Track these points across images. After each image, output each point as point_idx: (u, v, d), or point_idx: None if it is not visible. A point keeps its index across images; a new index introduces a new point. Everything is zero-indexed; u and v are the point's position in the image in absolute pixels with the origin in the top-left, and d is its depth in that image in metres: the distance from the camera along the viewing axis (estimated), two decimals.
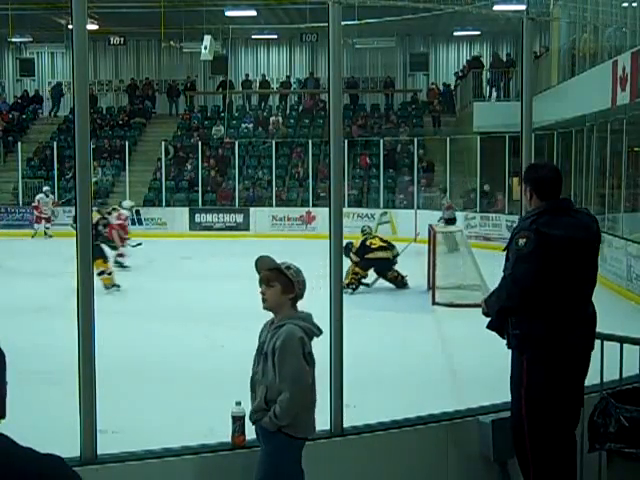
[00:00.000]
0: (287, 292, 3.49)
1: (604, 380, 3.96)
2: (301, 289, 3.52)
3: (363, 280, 13.31)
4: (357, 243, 13.38)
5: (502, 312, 3.77)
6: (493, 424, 4.05)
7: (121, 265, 15.74)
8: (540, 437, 3.73)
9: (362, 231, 14.11)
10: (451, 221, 18.50)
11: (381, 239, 13.75)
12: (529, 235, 3.64)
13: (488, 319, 3.89)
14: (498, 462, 4.04)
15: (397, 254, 13.49)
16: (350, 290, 12.77)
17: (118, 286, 13.38)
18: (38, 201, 22.28)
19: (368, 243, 13.34)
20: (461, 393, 7.13)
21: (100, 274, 13.13)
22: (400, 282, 13.38)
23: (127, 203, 18.56)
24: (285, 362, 3.38)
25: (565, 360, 3.69)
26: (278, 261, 3.61)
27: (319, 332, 3.56)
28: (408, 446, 4.07)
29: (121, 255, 15.84)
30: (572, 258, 3.67)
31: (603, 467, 3.86)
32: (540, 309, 3.66)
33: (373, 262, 13.20)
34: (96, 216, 13.83)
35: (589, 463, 3.84)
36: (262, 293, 3.53)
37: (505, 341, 3.84)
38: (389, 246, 13.51)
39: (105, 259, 13.46)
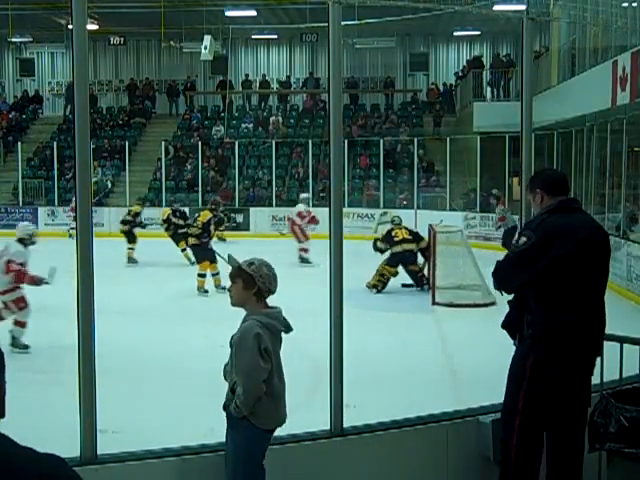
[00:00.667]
0: (248, 288, 3.61)
1: (604, 380, 3.96)
2: (265, 283, 3.60)
3: (404, 282, 13.10)
4: (384, 232, 13.38)
5: (515, 313, 3.79)
6: (493, 424, 4.04)
7: (306, 261, 15.83)
8: (528, 434, 3.74)
9: (392, 221, 13.91)
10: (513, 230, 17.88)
11: (409, 231, 13.42)
12: (530, 236, 3.66)
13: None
14: (498, 462, 4.04)
15: (424, 247, 13.13)
16: (375, 291, 12.80)
17: (219, 288, 12.69)
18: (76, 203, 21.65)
19: (393, 233, 13.13)
20: (461, 393, 7.12)
21: (201, 276, 12.92)
22: (419, 278, 13.01)
23: (303, 196, 18.19)
24: (239, 357, 3.53)
25: (571, 362, 3.68)
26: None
27: (287, 329, 3.64)
28: (408, 446, 4.07)
29: (305, 250, 16.04)
30: (583, 257, 3.67)
31: (603, 467, 3.86)
32: (552, 310, 3.65)
33: (398, 256, 12.97)
34: (207, 215, 13.37)
35: (589, 463, 3.84)
36: (229, 290, 3.71)
37: (513, 340, 3.84)
38: (415, 238, 13.20)
39: (213, 261, 12.74)
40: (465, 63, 27.78)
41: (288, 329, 3.65)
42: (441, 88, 28.30)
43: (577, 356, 3.68)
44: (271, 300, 3.69)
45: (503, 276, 3.79)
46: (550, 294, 3.65)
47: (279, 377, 3.63)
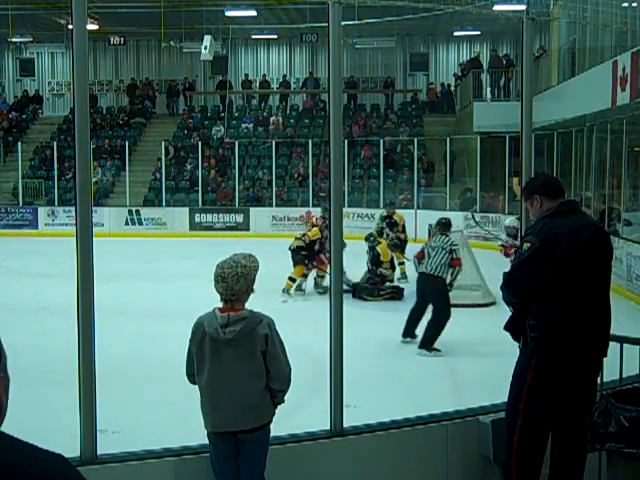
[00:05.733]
0: None
1: (604, 380, 3.96)
2: (214, 285, 3.71)
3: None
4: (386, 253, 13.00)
5: (518, 315, 3.78)
6: (493, 424, 4.05)
7: None
8: (530, 435, 3.75)
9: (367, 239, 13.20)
10: None
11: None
12: (534, 242, 3.66)
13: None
14: (498, 462, 4.05)
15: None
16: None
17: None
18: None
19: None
20: (461, 393, 7.13)
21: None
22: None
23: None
24: None
25: (573, 363, 3.68)
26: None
27: (196, 326, 3.66)
28: (408, 446, 4.07)
29: None
30: (587, 256, 3.67)
31: (603, 467, 3.87)
32: (555, 312, 3.65)
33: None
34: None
35: (589, 463, 3.84)
36: None
37: (516, 342, 3.84)
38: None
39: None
40: (462, 64, 27.78)
41: (203, 330, 3.61)
42: (440, 88, 28.31)
43: (580, 357, 3.68)
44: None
45: (514, 285, 3.77)
46: (552, 296, 3.64)
47: (211, 380, 3.61)
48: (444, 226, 10.13)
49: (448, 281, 9.39)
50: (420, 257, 9.61)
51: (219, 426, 3.64)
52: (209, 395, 3.63)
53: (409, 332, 9.39)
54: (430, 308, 9.24)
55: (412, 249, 12.01)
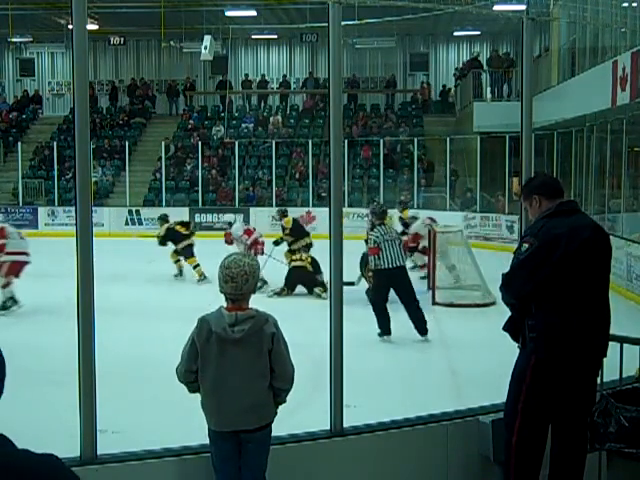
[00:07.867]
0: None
1: (604, 380, 3.96)
2: (220, 285, 3.67)
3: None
4: None
5: (517, 315, 3.78)
6: (493, 424, 4.05)
7: None
8: (528, 435, 3.75)
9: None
10: None
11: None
12: (533, 242, 3.66)
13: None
14: (498, 462, 4.04)
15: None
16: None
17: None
18: None
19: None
20: (461, 393, 7.12)
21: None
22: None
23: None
24: None
25: (572, 363, 3.68)
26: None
27: (201, 323, 3.66)
28: (408, 446, 4.07)
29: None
30: (586, 257, 3.67)
31: (603, 467, 3.87)
32: (554, 312, 3.65)
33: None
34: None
35: (589, 463, 3.84)
36: None
37: (515, 342, 3.84)
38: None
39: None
40: (462, 64, 27.79)
41: (214, 330, 3.57)
42: (440, 88, 28.36)
43: (578, 357, 3.68)
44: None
45: (513, 286, 3.76)
46: (551, 296, 3.64)
47: (216, 380, 3.59)
48: (381, 214, 10.09)
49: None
50: (376, 253, 9.56)
51: (223, 425, 3.63)
52: (214, 394, 3.62)
53: (389, 329, 9.58)
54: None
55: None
